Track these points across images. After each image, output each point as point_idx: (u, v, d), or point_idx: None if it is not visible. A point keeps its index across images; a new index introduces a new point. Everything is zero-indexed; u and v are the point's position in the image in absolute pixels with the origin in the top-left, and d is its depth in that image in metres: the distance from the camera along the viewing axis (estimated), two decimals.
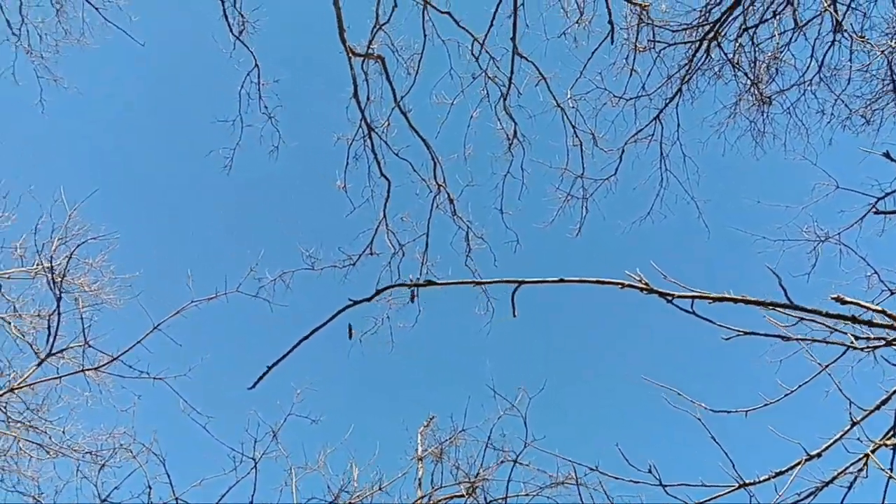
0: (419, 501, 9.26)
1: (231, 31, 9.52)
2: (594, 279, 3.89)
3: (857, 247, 8.12)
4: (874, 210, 8.32)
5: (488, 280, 5.55)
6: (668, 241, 12.82)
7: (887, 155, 6.41)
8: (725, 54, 9.65)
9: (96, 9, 10.27)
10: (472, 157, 10.55)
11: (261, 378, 6.08)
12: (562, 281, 5.10)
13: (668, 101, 9.99)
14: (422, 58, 9.93)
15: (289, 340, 3.71)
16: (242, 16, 9.49)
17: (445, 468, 9.89)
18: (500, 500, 8.12)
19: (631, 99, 10.07)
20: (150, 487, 7.74)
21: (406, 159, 10.13)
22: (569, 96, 10.08)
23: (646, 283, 3.58)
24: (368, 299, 5.98)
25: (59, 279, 8.38)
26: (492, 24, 9.49)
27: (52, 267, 8.54)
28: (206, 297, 8.83)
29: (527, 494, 9.04)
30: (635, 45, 9.67)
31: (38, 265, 9.54)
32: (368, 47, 9.77)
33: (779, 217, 8.82)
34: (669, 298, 3.55)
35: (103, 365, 8.53)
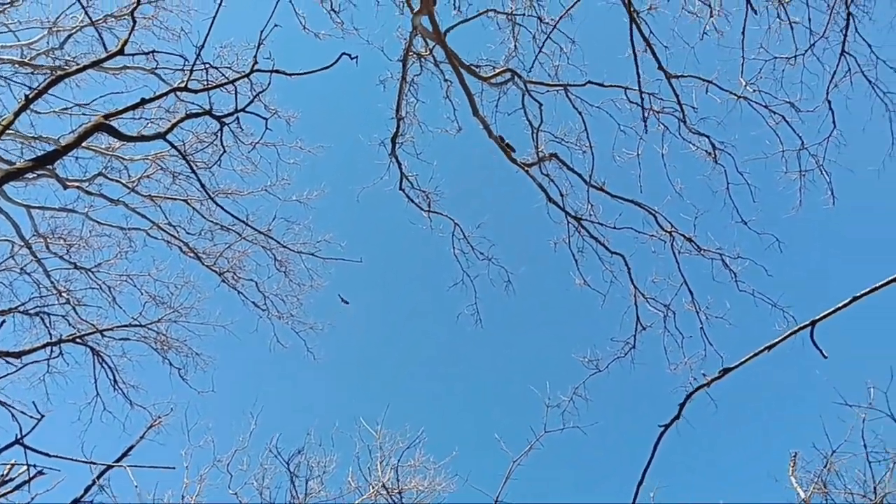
0: None
1: (421, 208, 10.30)
2: None
3: None
4: None
5: None
6: None
7: None
8: None
9: (312, 254, 11.77)
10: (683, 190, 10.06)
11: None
12: None
13: None
14: (587, 132, 9.90)
15: None
16: (424, 191, 10.26)
17: None
18: None
19: None
20: None
21: (627, 227, 9.85)
22: None
23: None
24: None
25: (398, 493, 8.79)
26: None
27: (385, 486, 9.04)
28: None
29: None
30: None
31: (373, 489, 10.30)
32: (538, 152, 9.96)
33: None
34: None
35: None
